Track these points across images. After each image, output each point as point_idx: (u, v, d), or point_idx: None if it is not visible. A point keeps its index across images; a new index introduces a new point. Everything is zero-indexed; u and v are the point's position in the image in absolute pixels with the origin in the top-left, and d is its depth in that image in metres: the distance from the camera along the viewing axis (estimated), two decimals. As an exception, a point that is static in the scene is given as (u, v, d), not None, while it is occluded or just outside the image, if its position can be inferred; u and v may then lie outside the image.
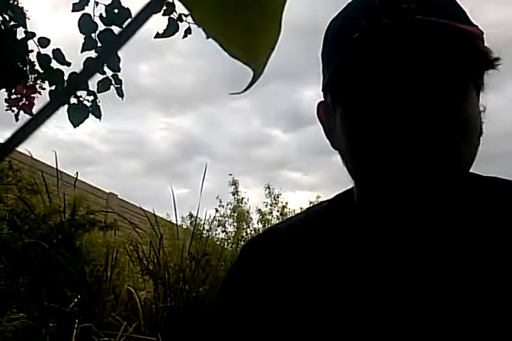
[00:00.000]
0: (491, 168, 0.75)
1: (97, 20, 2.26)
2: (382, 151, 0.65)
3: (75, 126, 2.23)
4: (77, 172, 4.32)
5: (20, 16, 2.17)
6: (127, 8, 2.27)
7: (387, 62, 0.64)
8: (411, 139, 0.62)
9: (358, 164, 0.69)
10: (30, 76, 2.25)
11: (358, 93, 0.66)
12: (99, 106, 2.31)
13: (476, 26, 0.67)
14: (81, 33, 2.24)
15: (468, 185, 0.72)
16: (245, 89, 0.21)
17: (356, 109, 0.67)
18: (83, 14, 2.25)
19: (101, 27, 2.26)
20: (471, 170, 0.70)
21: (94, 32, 2.25)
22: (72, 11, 2.24)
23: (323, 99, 0.76)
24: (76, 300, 3.20)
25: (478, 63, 0.65)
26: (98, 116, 2.31)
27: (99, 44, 2.24)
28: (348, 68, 0.65)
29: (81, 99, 2.27)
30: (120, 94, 2.36)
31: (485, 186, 0.73)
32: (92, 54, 2.23)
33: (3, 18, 2.14)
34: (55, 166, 4.03)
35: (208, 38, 0.21)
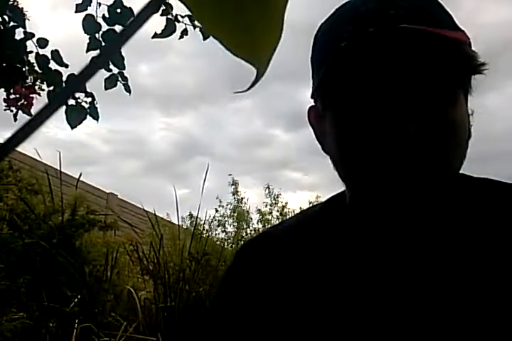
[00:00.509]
0: (489, 169, 0.75)
1: (100, 20, 2.27)
2: (372, 156, 0.65)
3: (72, 128, 2.23)
4: (80, 174, 4.32)
5: (19, 17, 2.17)
6: (129, 8, 2.27)
7: (375, 70, 0.64)
8: (401, 144, 0.63)
9: (348, 169, 0.70)
10: (28, 76, 2.25)
11: (347, 100, 0.66)
12: (96, 108, 2.31)
13: (463, 31, 0.67)
14: (85, 33, 2.25)
15: (459, 186, 0.73)
16: (249, 88, 0.21)
17: (346, 115, 0.67)
18: (86, 15, 2.26)
19: (104, 27, 2.28)
20: (463, 171, 0.71)
21: (98, 32, 2.26)
22: (76, 11, 2.25)
23: (313, 104, 0.76)
24: (76, 300, 3.20)
25: (465, 69, 0.66)
26: (96, 117, 2.31)
27: (103, 44, 2.26)
28: (337, 76, 0.66)
29: (79, 100, 2.27)
30: (127, 89, 2.38)
31: (476, 187, 0.74)
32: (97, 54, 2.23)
33: (3, 18, 2.15)
34: (55, 166, 4.04)
35: (204, 39, 0.21)
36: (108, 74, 2.33)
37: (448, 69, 0.64)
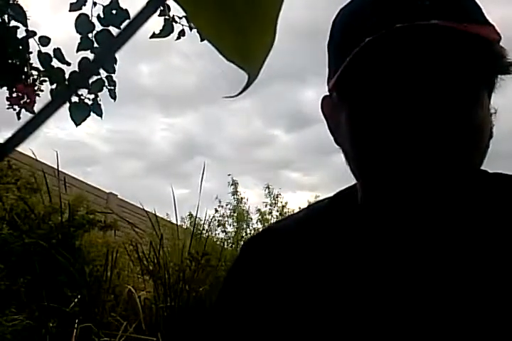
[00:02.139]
0: (493, 169, 0.75)
1: (94, 20, 2.26)
2: (388, 153, 0.63)
3: (77, 125, 2.23)
4: (63, 177, 4.30)
5: (20, 15, 2.17)
6: (125, 9, 2.27)
7: (399, 67, 0.62)
8: (420, 142, 0.61)
9: (363, 164, 0.68)
10: (31, 74, 2.26)
11: (368, 94, 0.64)
12: (100, 105, 2.31)
13: (492, 25, 0.65)
14: (77, 32, 2.24)
15: (475, 182, 0.71)
16: (240, 93, 0.21)
17: (364, 109, 0.65)
18: (80, 14, 2.25)
19: (98, 27, 2.27)
20: None
21: (91, 32, 2.26)
22: (70, 10, 2.25)
23: (327, 94, 0.73)
24: (76, 300, 3.20)
25: (494, 70, 0.65)
26: (99, 114, 2.31)
27: (95, 44, 2.25)
28: (359, 70, 0.64)
29: (82, 97, 2.27)
30: (112, 95, 2.35)
31: (491, 182, 0.73)
32: (88, 54, 2.23)
33: (4, 17, 2.15)
34: (55, 166, 4.03)
35: (202, 40, 0.21)
36: (95, 77, 2.29)
37: (476, 70, 0.62)
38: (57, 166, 4.00)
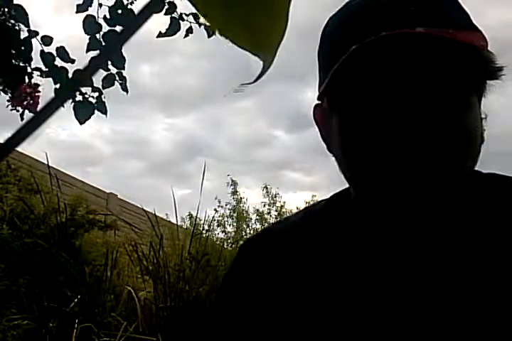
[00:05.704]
0: (491, 167, 0.75)
1: (101, 21, 2.28)
2: (380, 160, 0.64)
3: (81, 123, 2.23)
4: (63, 177, 4.30)
5: (22, 15, 2.17)
6: (130, 9, 2.28)
7: (387, 75, 0.63)
8: (409, 148, 0.62)
9: (355, 171, 0.68)
10: (34, 75, 2.26)
11: (357, 103, 0.65)
12: (104, 102, 2.32)
13: (479, 31, 0.65)
14: (85, 33, 2.25)
15: (467, 182, 0.72)
16: (255, 80, 0.21)
17: (354, 118, 0.66)
18: (87, 15, 2.27)
19: (105, 28, 2.29)
20: None
21: (99, 33, 2.27)
22: (76, 12, 2.26)
23: (319, 102, 0.74)
24: (76, 300, 3.20)
25: (481, 76, 0.65)
26: (104, 112, 2.31)
27: (103, 44, 2.26)
28: (347, 79, 0.64)
29: (86, 95, 2.27)
30: (124, 89, 2.37)
31: (485, 183, 0.73)
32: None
33: (6, 17, 2.15)
34: (55, 166, 4.03)
35: (209, 37, 0.21)
36: (105, 73, 2.33)
37: (463, 76, 0.63)
38: (48, 165, 3.99)
